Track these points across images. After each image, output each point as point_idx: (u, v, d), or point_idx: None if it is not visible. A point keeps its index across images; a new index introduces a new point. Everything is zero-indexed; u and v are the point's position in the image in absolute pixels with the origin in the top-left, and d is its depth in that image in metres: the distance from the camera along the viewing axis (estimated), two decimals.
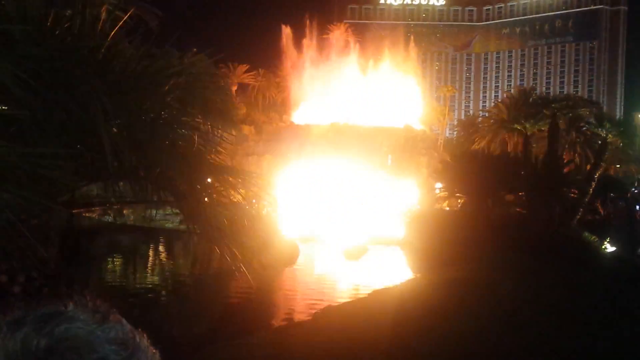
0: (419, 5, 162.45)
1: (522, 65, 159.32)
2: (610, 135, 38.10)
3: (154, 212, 32.62)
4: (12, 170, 4.11)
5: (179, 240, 34.19)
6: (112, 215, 40.26)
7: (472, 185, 34.88)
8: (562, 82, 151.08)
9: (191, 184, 5.45)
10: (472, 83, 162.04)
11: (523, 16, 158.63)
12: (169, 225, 37.69)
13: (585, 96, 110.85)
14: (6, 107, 4.77)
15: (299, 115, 68.70)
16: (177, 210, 6.02)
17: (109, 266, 30.16)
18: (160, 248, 38.17)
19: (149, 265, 32.00)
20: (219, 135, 6.65)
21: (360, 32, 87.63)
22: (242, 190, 5.85)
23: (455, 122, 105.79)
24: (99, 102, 4.39)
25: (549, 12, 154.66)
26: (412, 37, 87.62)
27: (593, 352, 11.90)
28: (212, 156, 5.90)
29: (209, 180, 5.87)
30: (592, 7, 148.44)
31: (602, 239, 32.45)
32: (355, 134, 58.64)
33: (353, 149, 53.68)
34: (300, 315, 18.14)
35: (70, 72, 4.63)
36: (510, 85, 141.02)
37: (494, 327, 12.96)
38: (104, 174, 5.17)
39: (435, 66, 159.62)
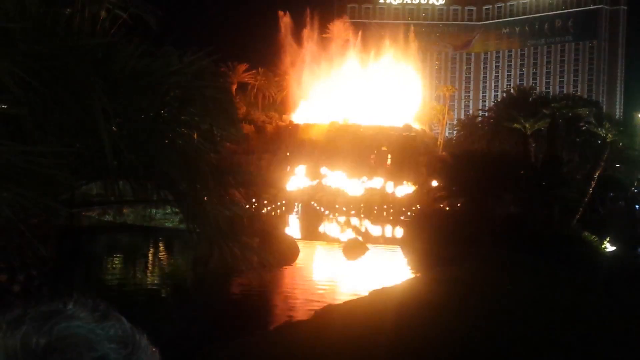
0: (419, 4, 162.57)
1: (522, 64, 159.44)
2: (610, 135, 38.15)
3: (154, 211, 32.50)
4: (11, 169, 4.11)
5: (178, 239, 34.16)
6: (111, 214, 40.22)
7: (471, 184, 34.90)
8: (561, 82, 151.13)
9: (191, 183, 5.44)
10: (471, 82, 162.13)
11: (523, 16, 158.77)
12: (168, 224, 37.65)
13: (585, 96, 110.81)
14: (5, 106, 4.76)
15: (298, 114, 68.74)
16: (177, 210, 6.01)
17: (109, 265, 30.18)
18: (160, 247, 38.16)
19: (148, 264, 32.00)
20: (218, 134, 6.64)
21: (360, 31, 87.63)
22: (242, 190, 5.84)
23: (455, 122, 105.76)
24: (99, 100, 4.38)
25: (548, 11, 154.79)
26: (412, 34, 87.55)
27: (593, 351, 11.91)
28: (212, 155, 5.89)
29: (209, 179, 5.85)
30: (592, 7, 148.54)
31: (602, 239, 32.50)
32: (354, 133, 58.67)
33: (353, 148, 53.70)
34: (300, 315, 18.14)
35: (69, 70, 4.63)
36: (510, 84, 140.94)
37: (494, 325, 12.97)
38: (104, 173, 5.17)
39: (434, 65, 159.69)
